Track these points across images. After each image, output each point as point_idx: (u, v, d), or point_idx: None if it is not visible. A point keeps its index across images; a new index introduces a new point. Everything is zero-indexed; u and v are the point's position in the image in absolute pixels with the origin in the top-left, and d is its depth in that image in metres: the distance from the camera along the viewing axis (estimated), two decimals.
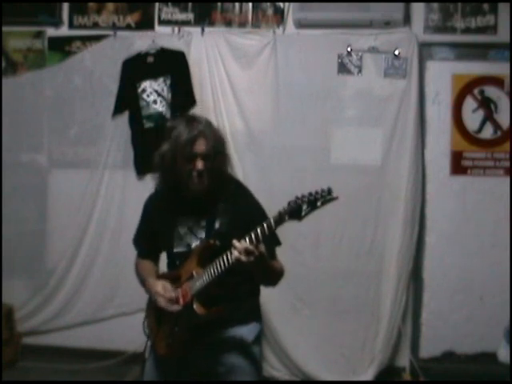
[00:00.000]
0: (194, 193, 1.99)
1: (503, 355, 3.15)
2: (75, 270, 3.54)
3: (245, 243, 1.74)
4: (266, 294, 3.20)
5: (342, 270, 3.32)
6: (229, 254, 1.79)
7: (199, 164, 1.94)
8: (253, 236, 1.74)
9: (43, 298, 3.57)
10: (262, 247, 1.77)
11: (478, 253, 3.28)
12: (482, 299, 3.28)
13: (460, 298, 3.30)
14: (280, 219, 1.71)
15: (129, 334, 3.16)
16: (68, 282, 3.55)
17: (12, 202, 3.58)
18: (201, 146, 1.95)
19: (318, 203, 1.69)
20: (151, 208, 2.16)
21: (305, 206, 1.69)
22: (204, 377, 2.03)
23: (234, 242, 1.75)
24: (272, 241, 1.96)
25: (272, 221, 1.73)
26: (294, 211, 1.70)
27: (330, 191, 1.70)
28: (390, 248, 3.28)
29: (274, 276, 1.99)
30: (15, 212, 3.59)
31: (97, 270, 3.53)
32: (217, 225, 1.97)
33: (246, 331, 2.03)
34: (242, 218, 1.93)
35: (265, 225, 1.74)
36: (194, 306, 1.88)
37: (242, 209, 1.98)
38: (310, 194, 1.70)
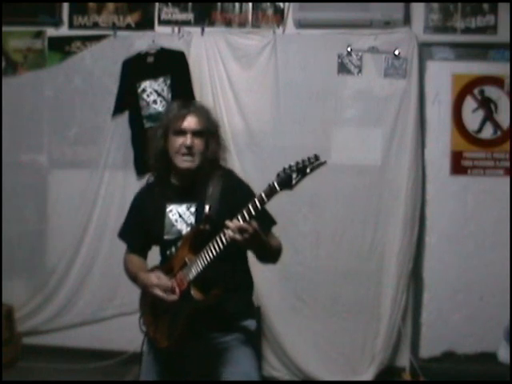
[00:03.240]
0: (183, 172, 2.00)
1: (503, 355, 3.16)
2: (75, 270, 3.54)
3: (237, 222, 1.74)
4: (266, 293, 3.22)
5: (342, 269, 3.32)
6: (222, 236, 1.78)
7: (188, 140, 1.96)
8: (245, 213, 1.74)
9: (43, 297, 3.57)
10: (255, 223, 1.77)
11: (478, 253, 3.28)
12: (482, 299, 3.28)
13: (460, 298, 3.30)
14: (270, 191, 1.71)
15: (129, 333, 3.15)
16: (68, 282, 3.55)
17: (12, 202, 3.58)
18: (191, 123, 1.98)
19: (308, 170, 1.70)
20: (141, 200, 2.16)
21: (294, 175, 1.70)
22: (203, 358, 2.02)
23: (227, 221, 1.75)
24: (266, 221, 1.97)
25: (263, 194, 1.72)
26: (284, 181, 1.70)
27: (317, 157, 1.71)
28: (390, 248, 3.28)
29: (271, 252, 1.99)
30: (15, 212, 3.60)
31: (97, 269, 3.54)
32: (206, 210, 1.97)
33: (247, 323, 2.04)
34: (232, 202, 1.93)
35: (256, 200, 1.74)
36: (192, 292, 1.87)
37: (231, 192, 1.99)
38: (297, 162, 1.71)
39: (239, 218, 1.75)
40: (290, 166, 1.71)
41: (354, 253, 3.32)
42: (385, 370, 3.30)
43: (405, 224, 3.25)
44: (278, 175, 1.72)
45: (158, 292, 1.91)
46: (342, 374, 3.28)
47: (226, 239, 1.77)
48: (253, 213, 1.74)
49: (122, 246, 2.29)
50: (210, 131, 2.01)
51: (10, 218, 3.58)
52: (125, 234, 2.20)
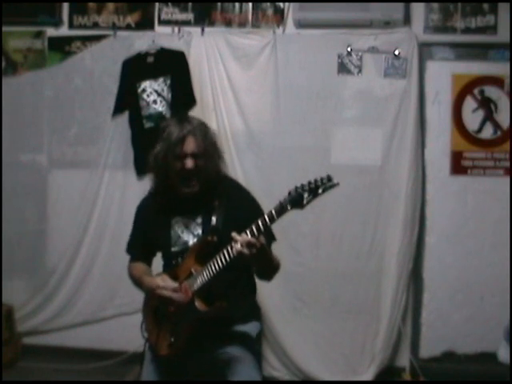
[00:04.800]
0: (186, 194, 1.99)
1: (503, 355, 3.15)
2: (75, 270, 3.54)
3: (246, 236, 1.74)
4: (266, 293, 3.22)
5: (342, 270, 3.32)
6: (229, 249, 1.78)
7: (189, 163, 1.96)
8: (254, 228, 1.74)
9: (43, 297, 3.57)
10: (263, 239, 1.77)
11: (478, 253, 3.28)
12: (482, 299, 3.28)
13: (460, 298, 3.30)
14: (281, 209, 1.71)
15: (129, 334, 3.16)
16: (68, 282, 3.55)
17: (12, 202, 3.58)
18: (190, 145, 1.97)
19: (320, 190, 1.70)
20: (145, 211, 2.15)
21: (306, 195, 1.70)
22: (205, 370, 2.01)
23: (235, 235, 1.75)
24: (268, 237, 1.96)
25: (273, 211, 1.72)
26: (295, 200, 1.70)
27: (329, 178, 1.70)
28: (390, 248, 3.28)
29: (272, 269, 2.00)
30: (15, 212, 3.59)
31: (97, 269, 3.53)
32: (213, 221, 1.97)
33: (249, 328, 2.04)
34: (238, 213, 1.93)
35: (266, 216, 1.73)
36: (196, 304, 1.87)
37: (237, 204, 1.99)
38: (310, 182, 1.71)
39: (248, 232, 1.74)
40: (302, 186, 1.71)
41: (354, 253, 3.32)
42: (385, 369, 3.30)
43: (405, 224, 3.25)
44: (289, 193, 1.71)
45: (165, 292, 1.91)
46: (342, 374, 3.28)
47: (233, 253, 1.77)
48: (262, 229, 1.74)
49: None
50: (209, 149, 2.00)
51: (10, 218, 3.58)
52: (132, 247, 2.20)
